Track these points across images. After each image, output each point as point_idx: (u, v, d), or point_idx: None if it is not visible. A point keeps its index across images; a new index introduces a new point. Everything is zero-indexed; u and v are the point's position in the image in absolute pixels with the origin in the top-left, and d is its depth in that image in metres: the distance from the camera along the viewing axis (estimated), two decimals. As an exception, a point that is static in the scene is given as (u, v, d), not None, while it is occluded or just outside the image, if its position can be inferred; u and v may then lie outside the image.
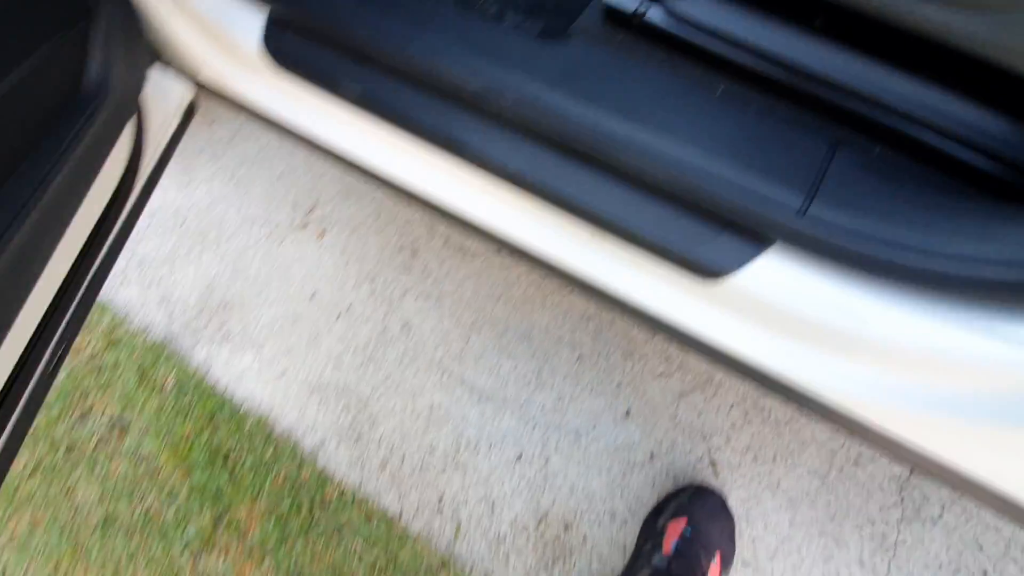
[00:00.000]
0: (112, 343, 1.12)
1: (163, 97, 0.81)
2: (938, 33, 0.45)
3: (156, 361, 1.10)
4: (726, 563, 0.91)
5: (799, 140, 0.54)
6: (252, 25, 0.70)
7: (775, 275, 0.54)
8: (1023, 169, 0.49)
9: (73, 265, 0.68)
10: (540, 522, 0.98)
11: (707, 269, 0.56)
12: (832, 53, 0.53)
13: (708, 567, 0.87)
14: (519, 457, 1.02)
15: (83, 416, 1.07)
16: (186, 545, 0.98)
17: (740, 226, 0.54)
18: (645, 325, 0.67)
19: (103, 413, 1.07)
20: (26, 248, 0.54)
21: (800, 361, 0.57)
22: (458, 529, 0.98)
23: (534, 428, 1.04)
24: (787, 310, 0.54)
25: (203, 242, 1.20)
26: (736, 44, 0.55)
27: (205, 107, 1.29)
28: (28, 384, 0.63)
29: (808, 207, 0.50)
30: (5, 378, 0.59)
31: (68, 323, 0.69)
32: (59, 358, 0.70)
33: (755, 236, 0.54)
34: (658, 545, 0.88)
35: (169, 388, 1.08)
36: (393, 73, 0.64)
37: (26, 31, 0.46)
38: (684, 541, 0.87)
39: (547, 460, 1.02)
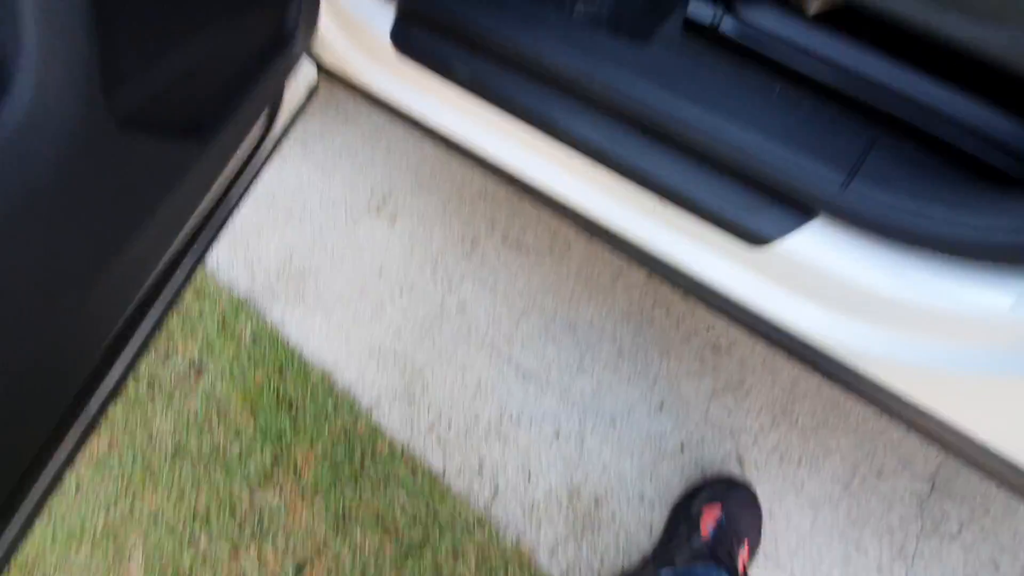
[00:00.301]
0: (199, 294, 1.24)
1: (294, 76, 0.96)
2: (969, 45, 0.56)
3: (236, 314, 1.22)
4: (752, 553, 0.96)
5: (843, 132, 0.64)
6: (383, 18, 0.85)
7: (817, 243, 0.63)
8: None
9: (205, 214, 0.80)
10: (572, 495, 1.05)
11: (756, 236, 0.65)
12: (875, 60, 0.64)
13: (739, 554, 0.92)
14: (557, 434, 1.10)
15: (166, 356, 1.19)
16: (246, 478, 1.06)
17: (788, 199, 0.64)
18: (696, 294, 0.76)
19: (184, 355, 1.18)
20: (201, 174, 0.65)
21: (833, 324, 0.65)
22: (496, 492, 1.05)
23: (573, 409, 1.11)
24: (826, 276, 0.63)
25: (288, 217, 1.34)
26: (795, 49, 0.67)
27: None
28: (155, 313, 0.74)
29: (850, 183, 0.60)
30: (145, 290, 0.69)
31: (192, 266, 0.81)
32: (177, 298, 0.80)
33: (801, 208, 0.63)
34: (695, 529, 0.93)
35: (246, 339, 1.19)
36: (501, 61, 0.77)
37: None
38: (720, 527, 0.92)
39: (583, 440, 1.09)
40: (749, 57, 0.70)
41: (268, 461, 1.08)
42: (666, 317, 1.18)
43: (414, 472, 1.07)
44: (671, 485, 1.05)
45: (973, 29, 0.54)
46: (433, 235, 1.30)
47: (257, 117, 0.71)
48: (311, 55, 0.96)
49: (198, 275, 1.26)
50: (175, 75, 0.43)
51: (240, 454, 1.09)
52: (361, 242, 1.30)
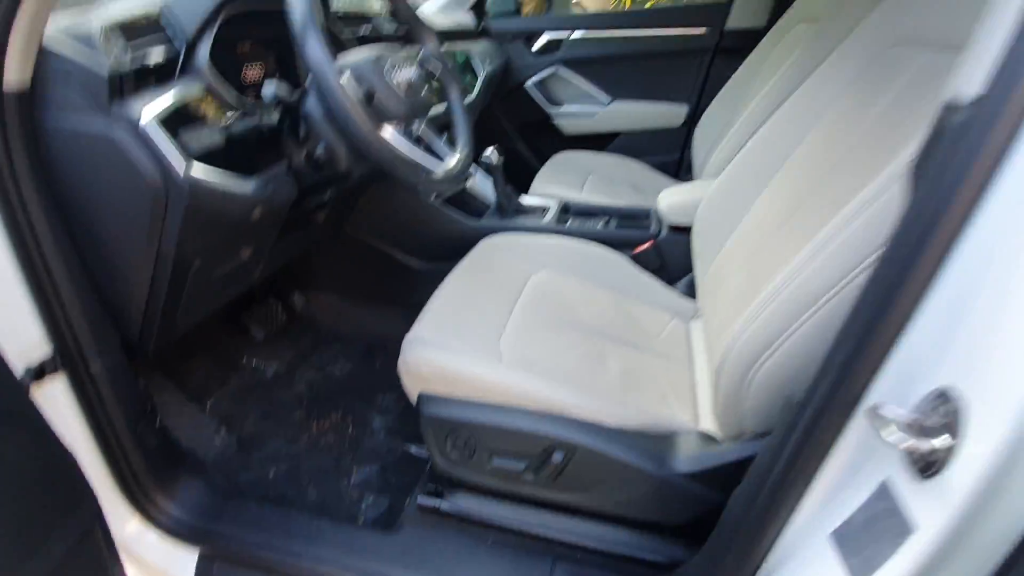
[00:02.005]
0: None
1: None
2: (587, 508, 0.99)
3: None
4: None
5: (533, 561, 1.01)
6: (186, 563, 1.04)
7: None
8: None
9: None
10: None
11: None
12: (540, 513, 1.05)
13: None
14: None
15: None
16: None
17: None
18: None
19: None
20: None
21: None
22: None
23: None
24: None
25: None
26: (490, 516, 1.06)
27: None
28: None
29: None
30: None
31: None
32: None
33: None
34: None
35: None
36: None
37: None
38: None
39: None
40: (467, 520, 1.07)
41: None
42: None
43: None
44: None
45: (576, 497, 0.98)
46: None
47: None
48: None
49: None
50: None
51: None
52: None
